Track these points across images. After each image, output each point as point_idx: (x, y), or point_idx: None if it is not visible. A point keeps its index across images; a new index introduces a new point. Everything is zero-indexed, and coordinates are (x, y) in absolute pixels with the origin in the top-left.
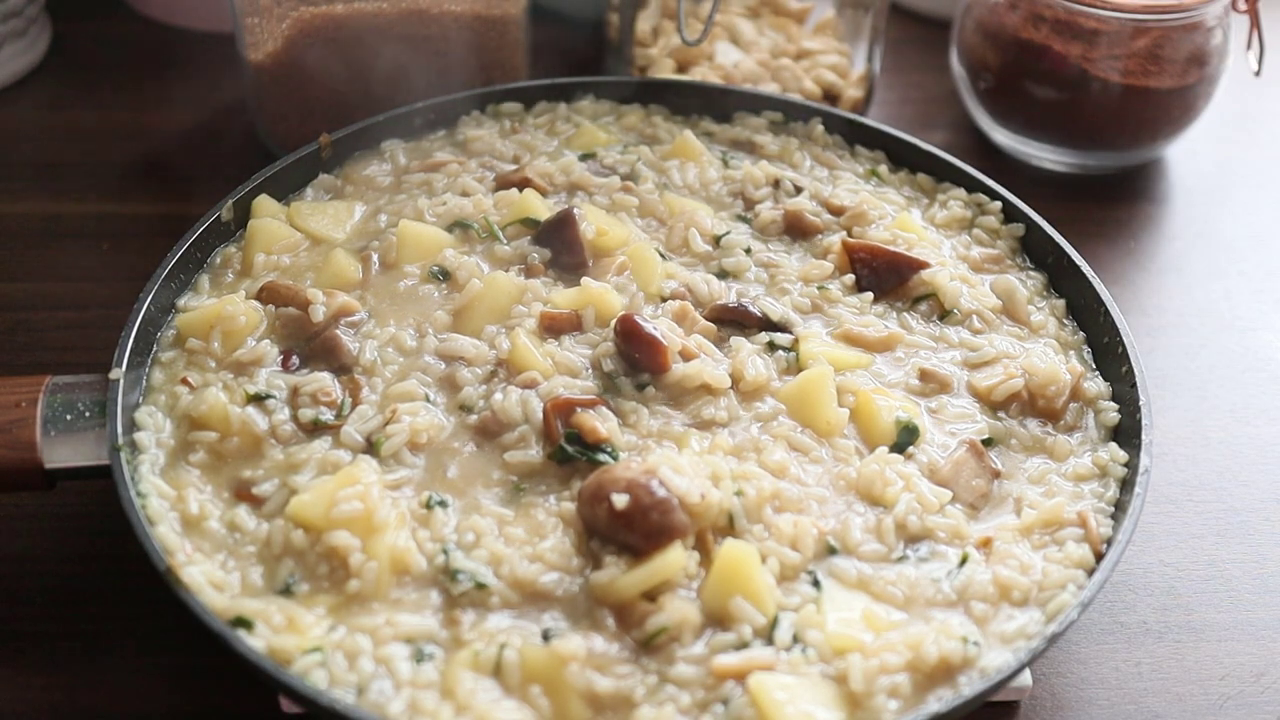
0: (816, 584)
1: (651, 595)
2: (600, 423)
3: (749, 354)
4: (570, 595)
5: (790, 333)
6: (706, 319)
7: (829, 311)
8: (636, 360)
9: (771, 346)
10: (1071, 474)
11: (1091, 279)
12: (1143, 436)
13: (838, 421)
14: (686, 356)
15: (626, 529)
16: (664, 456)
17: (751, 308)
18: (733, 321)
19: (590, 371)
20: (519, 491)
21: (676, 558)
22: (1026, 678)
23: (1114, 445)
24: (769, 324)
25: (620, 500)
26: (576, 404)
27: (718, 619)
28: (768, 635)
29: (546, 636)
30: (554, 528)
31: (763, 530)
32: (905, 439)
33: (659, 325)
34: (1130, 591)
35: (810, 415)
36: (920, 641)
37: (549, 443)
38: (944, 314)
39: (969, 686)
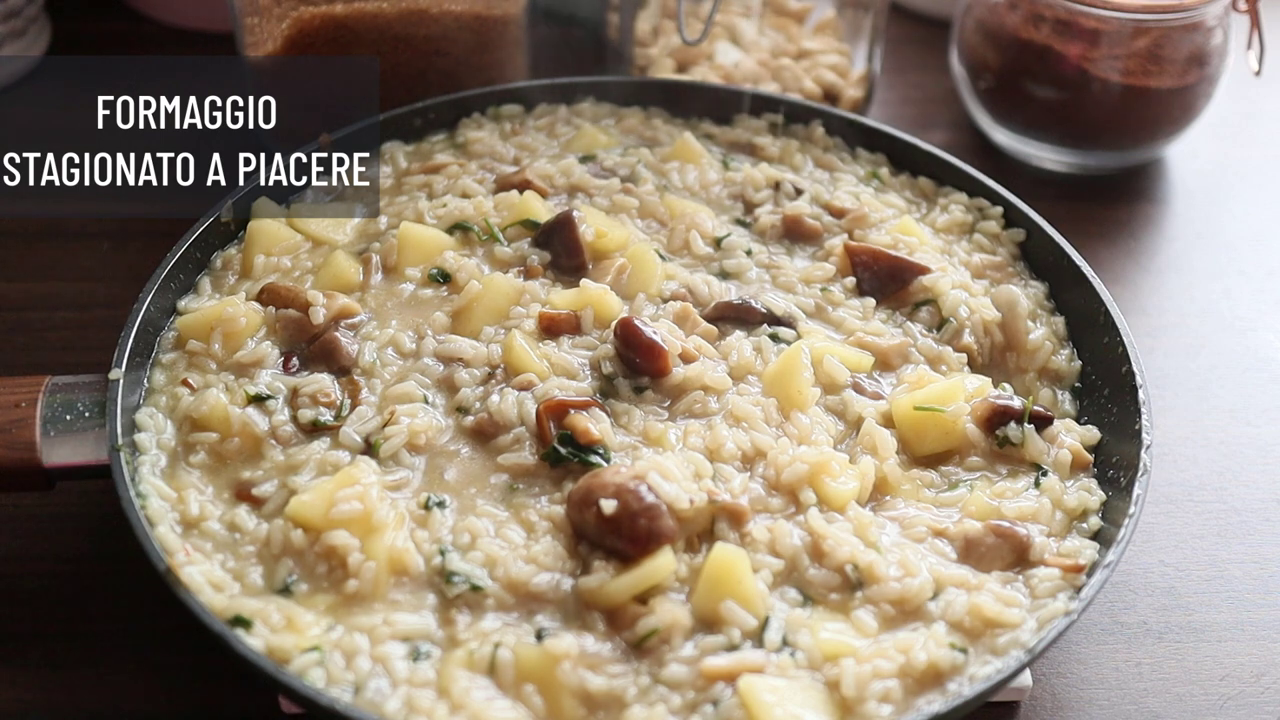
0: (806, 597)
1: (642, 598)
2: (593, 424)
3: (740, 341)
4: (563, 596)
5: (793, 328)
6: (707, 319)
7: (831, 315)
8: (636, 364)
9: (775, 339)
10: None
11: (1092, 279)
12: (1143, 437)
13: (802, 397)
14: (687, 359)
15: (614, 535)
16: (653, 462)
17: (755, 303)
18: (735, 319)
19: (589, 373)
20: (513, 492)
21: (666, 563)
22: (1026, 678)
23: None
24: (773, 319)
25: (608, 506)
26: (570, 405)
27: (708, 622)
28: (758, 638)
29: (540, 636)
30: (546, 530)
31: (738, 539)
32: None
33: (659, 328)
34: (1130, 591)
35: (783, 387)
36: (911, 647)
37: (542, 444)
38: (942, 323)
39: (970, 687)
